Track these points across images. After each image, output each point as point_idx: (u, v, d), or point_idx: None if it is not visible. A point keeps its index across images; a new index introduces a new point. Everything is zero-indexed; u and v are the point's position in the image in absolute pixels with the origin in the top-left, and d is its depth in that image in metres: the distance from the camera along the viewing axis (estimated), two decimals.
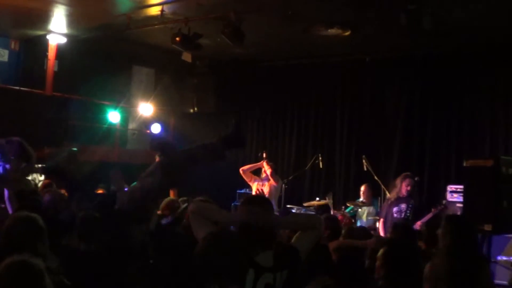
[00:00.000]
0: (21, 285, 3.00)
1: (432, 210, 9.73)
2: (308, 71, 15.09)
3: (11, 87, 13.39)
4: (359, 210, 11.69)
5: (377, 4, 10.22)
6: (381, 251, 4.72)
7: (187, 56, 12.34)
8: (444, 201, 10.85)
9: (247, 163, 16.16)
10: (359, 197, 11.97)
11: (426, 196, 12.45)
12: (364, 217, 11.61)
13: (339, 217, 10.84)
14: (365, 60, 13.86)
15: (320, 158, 13.22)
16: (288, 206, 12.44)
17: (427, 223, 8.92)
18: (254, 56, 15.02)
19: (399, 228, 6.81)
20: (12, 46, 14.66)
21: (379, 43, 12.81)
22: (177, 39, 11.42)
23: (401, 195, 9.95)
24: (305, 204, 12.52)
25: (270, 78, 15.79)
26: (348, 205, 11.98)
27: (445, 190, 11.71)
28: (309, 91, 15.31)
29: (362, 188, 11.90)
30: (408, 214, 9.74)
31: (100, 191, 10.03)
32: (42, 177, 13.62)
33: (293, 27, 11.76)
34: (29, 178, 13.73)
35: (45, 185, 10.73)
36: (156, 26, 12.04)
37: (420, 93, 13.51)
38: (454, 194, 11.36)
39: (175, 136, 16.61)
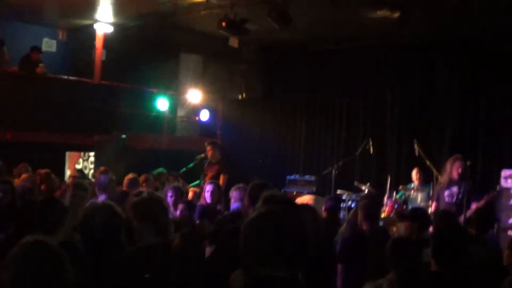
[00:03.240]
0: (39, 266, 2.91)
1: (485, 196, 9.39)
2: (357, 55, 14.86)
3: (60, 76, 13.49)
4: (411, 195, 11.41)
5: None
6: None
7: (233, 41, 12.22)
8: (497, 187, 10.50)
9: (296, 148, 16.07)
10: (410, 182, 11.68)
11: (479, 181, 12.10)
12: (415, 202, 11.32)
13: (390, 203, 10.61)
14: (415, 42, 13.56)
15: (370, 143, 12.96)
16: (339, 191, 12.22)
17: (478, 210, 8.63)
18: (301, 41, 14.84)
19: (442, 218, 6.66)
20: (60, 36, 14.81)
21: (429, 25, 12.50)
22: (223, 24, 11.28)
23: (452, 178, 9.66)
24: (356, 183, 12.31)
25: (318, 63, 15.60)
26: (400, 189, 11.69)
27: (499, 176, 11.36)
28: (358, 75, 15.04)
29: (414, 172, 11.58)
30: (461, 197, 9.43)
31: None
32: (92, 165, 13.77)
33: (341, 9, 11.56)
34: (79, 166, 13.97)
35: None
36: (202, 12, 11.97)
37: (472, 75, 13.14)
38: (508, 180, 10.96)
39: (224, 123, 16.58)
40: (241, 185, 7.52)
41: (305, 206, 5.81)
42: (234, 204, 7.50)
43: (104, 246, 3.81)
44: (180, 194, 8.31)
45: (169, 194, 8.14)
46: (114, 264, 3.82)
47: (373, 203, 7.18)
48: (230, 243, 5.22)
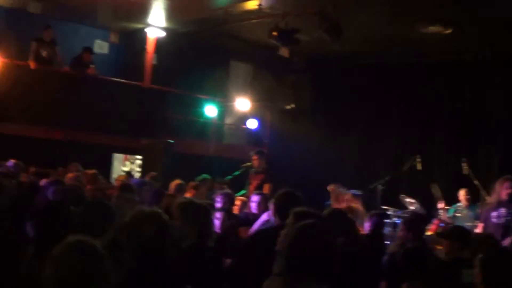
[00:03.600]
0: (80, 265, 2.99)
1: None
2: (407, 70, 14.68)
3: (110, 78, 13.61)
4: (457, 214, 11.19)
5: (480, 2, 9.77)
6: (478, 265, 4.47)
7: (284, 51, 12.19)
8: None
9: (342, 161, 15.91)
10: (457, 201, 11.46)
11: None
12: (462, 222, 11.08)
13: (436, 221, 10.40)
14: (467, 59, 13.34)
15: (418, 160, 12.75)
16: (384, 207, 12.05)
17: None
18: (352, 54, 14.71)
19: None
20: (112, 39, 14.92)
21: (481, 41, 12.30)
22: (274, 33, 11.26)
23: (501, 200, 9.42)
24: (402, 195, 12.14)
25: (368, 76, 15.43)
26: (449, 207, 11.47)
27: None
28: (408, 90, 14.87)
29: (462, 192, 11.36)
30: (509, 219, 9.18)
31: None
32: (139, 169, 13.84)
33: (394, 24, 11.45)
34: (126, 169, 14.06)
35: None
36: (253, 21, 11.98)
37: None
38: None
39: (272, 132, 16.51)
40: None
41: (342, 219, 5.73)
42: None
43: (150, 253, 3.82)
44: (230, 201, 8.26)
45: (218, 199, 8.09)
46: (158, 272, 3.84)
47: (418, 221, 7.06)
48: (250, 252, 5.21)
